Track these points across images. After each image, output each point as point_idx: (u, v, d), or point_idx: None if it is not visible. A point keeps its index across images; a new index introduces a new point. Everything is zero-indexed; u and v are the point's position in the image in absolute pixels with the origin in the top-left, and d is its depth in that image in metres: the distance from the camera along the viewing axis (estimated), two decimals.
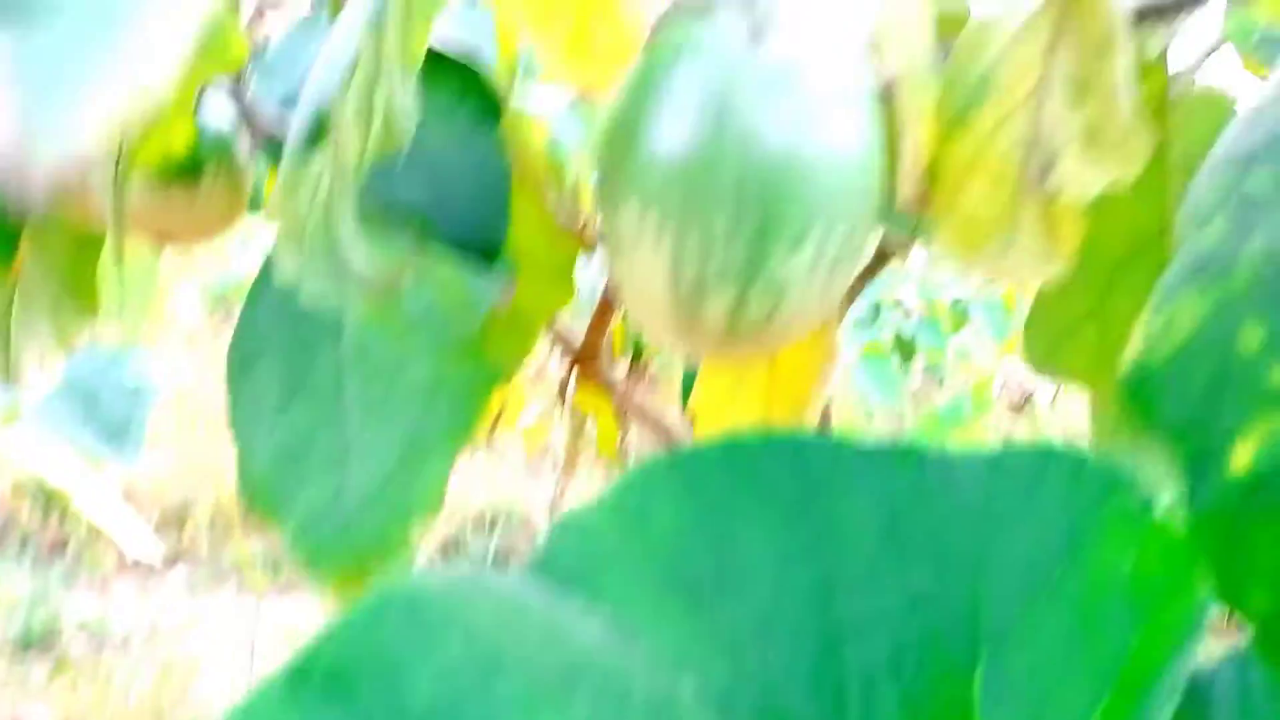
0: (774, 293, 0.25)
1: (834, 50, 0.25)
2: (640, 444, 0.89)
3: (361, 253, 0.27)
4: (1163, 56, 0.38)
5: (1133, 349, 0.22)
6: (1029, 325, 0.43)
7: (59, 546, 2.33)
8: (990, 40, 0.30)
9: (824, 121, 0.24)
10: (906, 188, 0.32)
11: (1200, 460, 0.20)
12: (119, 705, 1.88)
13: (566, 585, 0.23)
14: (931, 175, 0.32)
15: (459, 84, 0.37)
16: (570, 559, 0.23)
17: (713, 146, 0.23)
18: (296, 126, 0.22)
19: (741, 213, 0.24)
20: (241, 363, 0.33)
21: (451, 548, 2.65)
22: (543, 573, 0.23)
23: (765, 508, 0.25)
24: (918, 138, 0.32)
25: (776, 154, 0.23)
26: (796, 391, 0.39)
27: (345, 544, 0.31)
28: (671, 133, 0.24)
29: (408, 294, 0.35)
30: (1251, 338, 0.19)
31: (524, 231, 0.42)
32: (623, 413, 0.76)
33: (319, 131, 0.22)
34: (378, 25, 0.28)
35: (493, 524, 2.71)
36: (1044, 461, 0.25)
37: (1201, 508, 0.19)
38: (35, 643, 2.02)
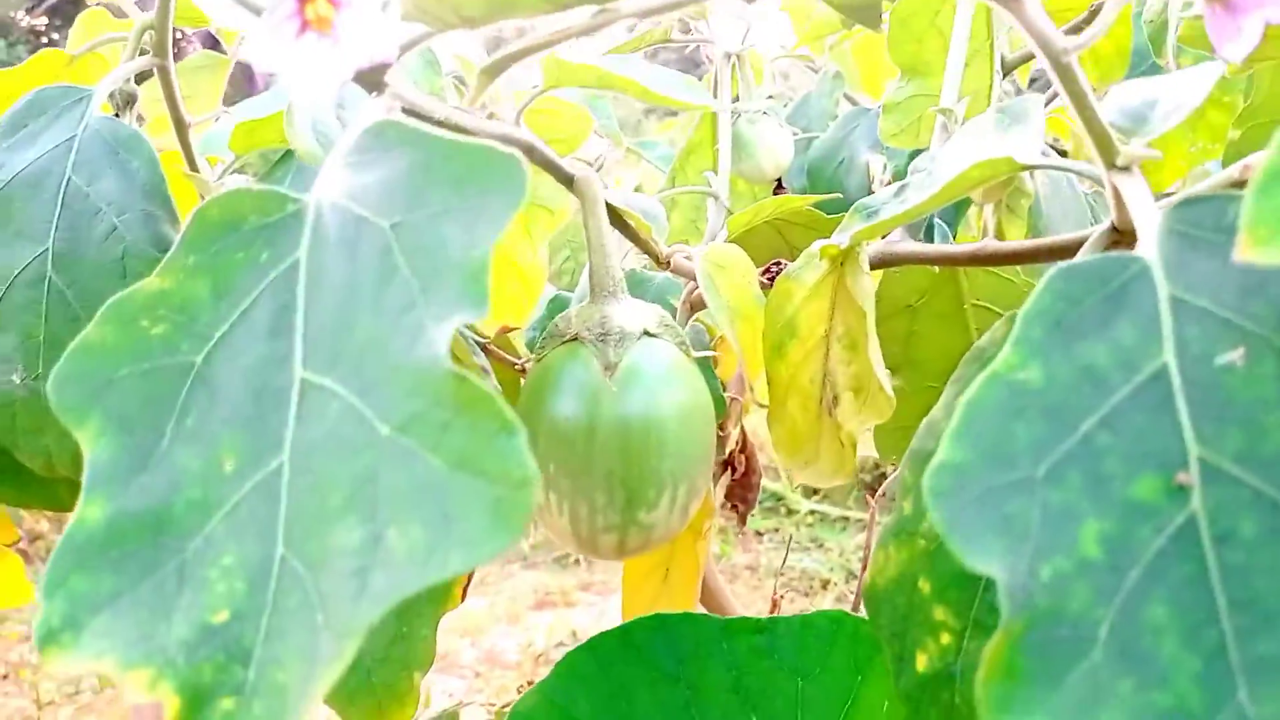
0: (644, 531, 0.36)
1: (667, 364, 0.36)
2: None
3: None
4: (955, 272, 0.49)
5: (869, 570, 0.34)
6: (879, 425, 0.55)
7: None
8: (794, 292, 0.41)
9: (662, 426, 0.35)
10: (755, 394, 0.43)
11: (900, 659, 0.32)
12: None
13: None
14: (768, 385, 0.43)
15: None
16: None
17: (587, 447, 0.35)
18: None
19: (613, 491, 0.35)
20: None
21: None
22: None
23: (653, 675, 0.37)
24: (752, 359, 0.43)
25: (632, 451, 0.35)
26: (689, 541, 0.51)
27: (367, 694, 0.43)
28: (558, 437, 0.35)
29: None
30: (925, 586, 0.31)
31: None
32: None
33: None
34: None
35: None
36: (836, 625, 0.37)
37: (901, 690, 0.31)
38: None
